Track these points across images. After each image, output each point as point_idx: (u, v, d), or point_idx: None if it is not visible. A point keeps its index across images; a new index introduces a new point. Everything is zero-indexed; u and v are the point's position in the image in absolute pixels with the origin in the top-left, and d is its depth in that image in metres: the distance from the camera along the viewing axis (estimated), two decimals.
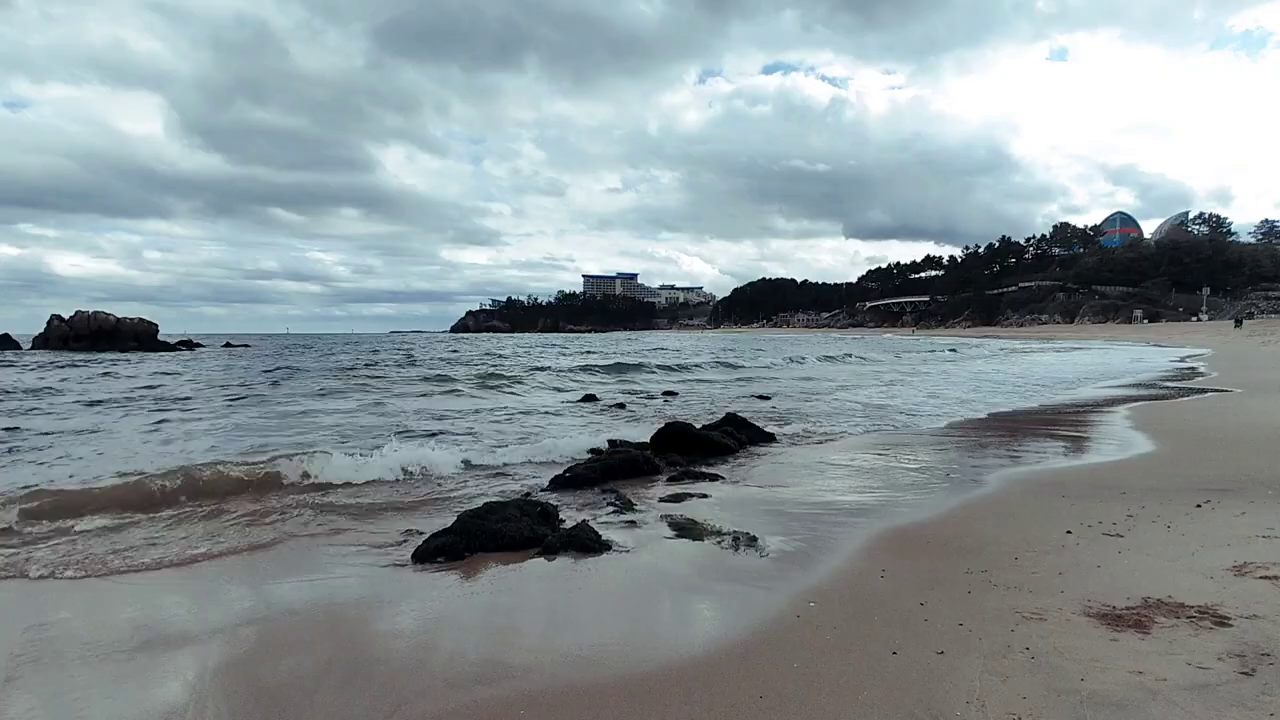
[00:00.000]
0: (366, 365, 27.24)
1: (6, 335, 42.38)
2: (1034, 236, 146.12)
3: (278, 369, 25.38)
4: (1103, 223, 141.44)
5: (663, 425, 8.39)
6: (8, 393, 16.21)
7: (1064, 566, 3.96)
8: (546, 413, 12.75)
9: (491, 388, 17.89)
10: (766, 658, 2.98)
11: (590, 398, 14.88)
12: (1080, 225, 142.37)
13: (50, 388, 17.54)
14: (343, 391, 16.77)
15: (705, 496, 6.09)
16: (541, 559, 4.41)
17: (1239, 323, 64.64)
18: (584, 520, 5.05)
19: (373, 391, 16.77)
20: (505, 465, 7.53)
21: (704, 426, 8.77)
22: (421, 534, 4.86)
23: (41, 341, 42.88)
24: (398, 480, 6.67)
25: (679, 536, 4.86)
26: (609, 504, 5.86)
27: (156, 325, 45.54)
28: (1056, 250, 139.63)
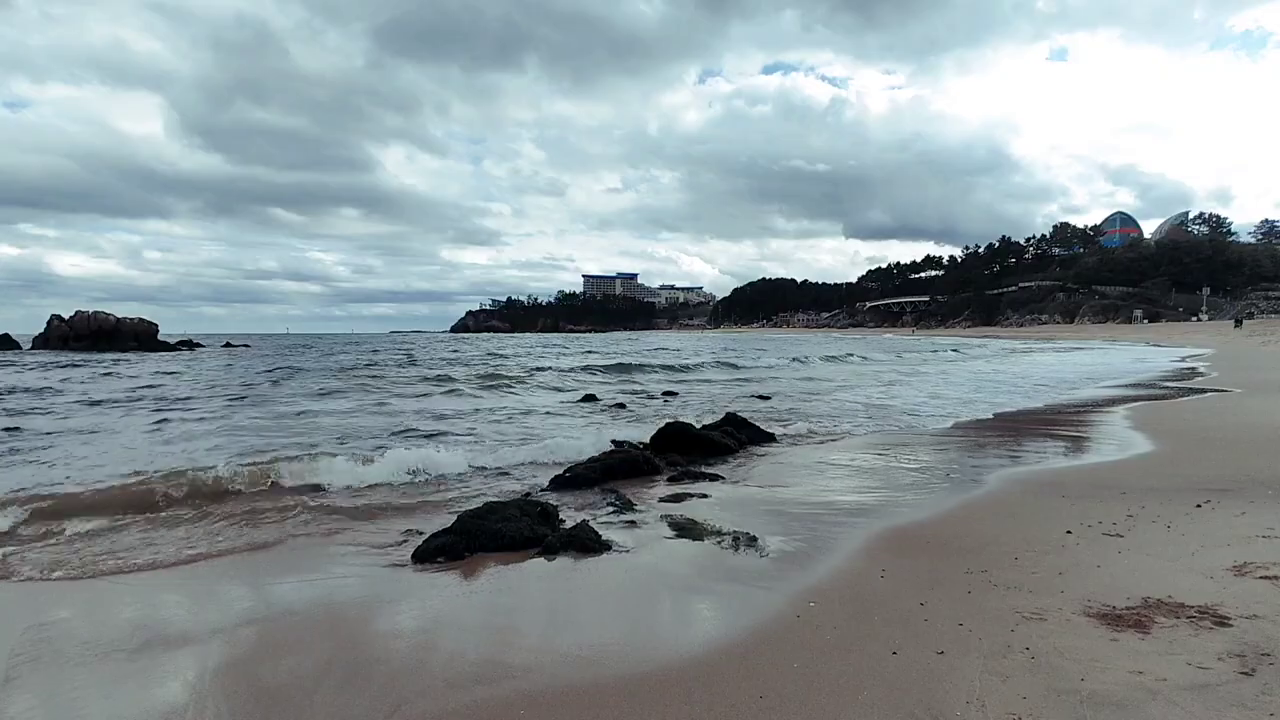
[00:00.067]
0: (367, 365, 27.25)
1: (6, 335, 42.37)
2: (1034, 236, 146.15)
3: (278, 369, 25.38)
4: (1103, 223, 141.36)
5: (663, 425, 8.39)
6: (9, 392, 16.23)
7: (1064, 566, 3.96)
8: (547, 413, 12.75)
9: (492, 388, 17.89)
10: (766, 658, 2.98)
11: (590, 398, 14.87)
12: (1080, 225, 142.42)
13: (51, 388, 17.55)
14: (343, 392, 16.77)
15: (705, 496, 6.09)
16: (541, 559, 4.41)
17: (1239, 323, 64.62)
18: (584, 520, 5.05)
19: (373, 392, 16.78)
20: (506, 465, 7.52)
21: (704, 426, 8.77)
22: (421, 534, 4.86)
23: (41, 341, 42.92)
24: (398, 480, 6.67)
25: (679, 536, 4.86)
26: (609, 504, 5.86)
27: (156, 325, 45.57)
28: (1056, 250, 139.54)
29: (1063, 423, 10.59)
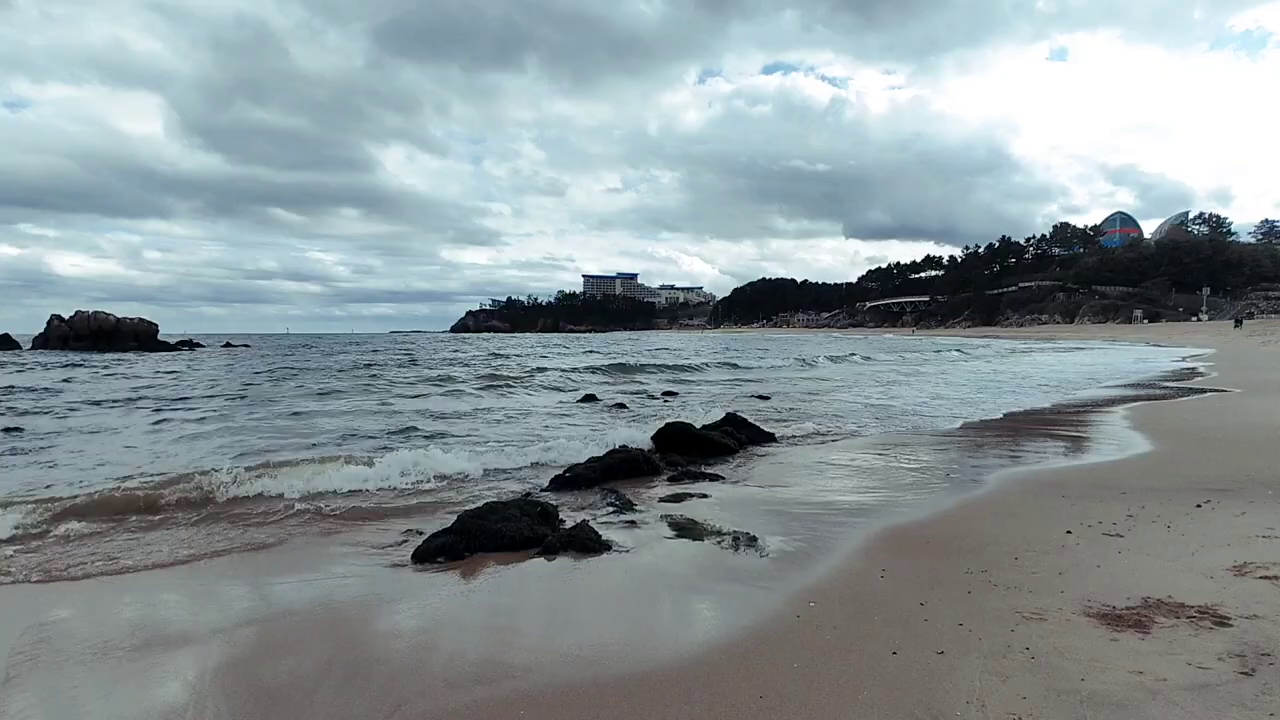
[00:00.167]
0: (367, 365, 27.26)
1: (6, 335, 42.40)
2: (1034, 236, 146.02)
3: (278, 369, 25.40)
4: (1103, 223, 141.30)
5: (663, 425, 8.39)
6: (9, 391, 16.24)
7: (1064, 566, 3.96)
8: (547, 413, 12.76)
9: (492, 388, 17.90)
10: (766, 658, 2.98)
11: (591, 398, 14.88)
12: (1080, 225, 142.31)
13: (51, 388, 17.56)
14: (343, 392, 16.78)
15: (705, 496, 6.09)
16: (541, 559, 4.41)
17: (1239, 323, 64.61)
18: (584, 520, 5.05)
19: (374, 392, 16.79)
20: (506, 465, 7.52)
21: (704, 426, 8.77)
22: (422, 534, 4.86)
23: (41, 341, 42.97)
24: (398, 481, 6.66)
25: (679, 536, 4.87)
26: (609, 504, 5.86)
27: (156, 325, 45.62)
28: (1056, 250, 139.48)
29: (1063, 423, 10.59)
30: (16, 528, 5.09)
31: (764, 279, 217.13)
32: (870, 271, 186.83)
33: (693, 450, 7.95)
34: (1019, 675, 2.72)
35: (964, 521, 5.08)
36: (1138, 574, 3.79)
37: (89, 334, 42.44)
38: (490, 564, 4.35)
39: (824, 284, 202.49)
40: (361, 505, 5.91)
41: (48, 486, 6.43)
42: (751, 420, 9.62)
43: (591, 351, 42.54)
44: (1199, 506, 5.17)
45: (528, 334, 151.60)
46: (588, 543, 4.54)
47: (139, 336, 43.46)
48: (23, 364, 28.20)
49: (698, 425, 8.68)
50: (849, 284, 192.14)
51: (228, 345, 54.68)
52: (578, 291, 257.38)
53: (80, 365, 27.09)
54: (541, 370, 23.59)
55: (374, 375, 21.98)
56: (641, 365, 26.20)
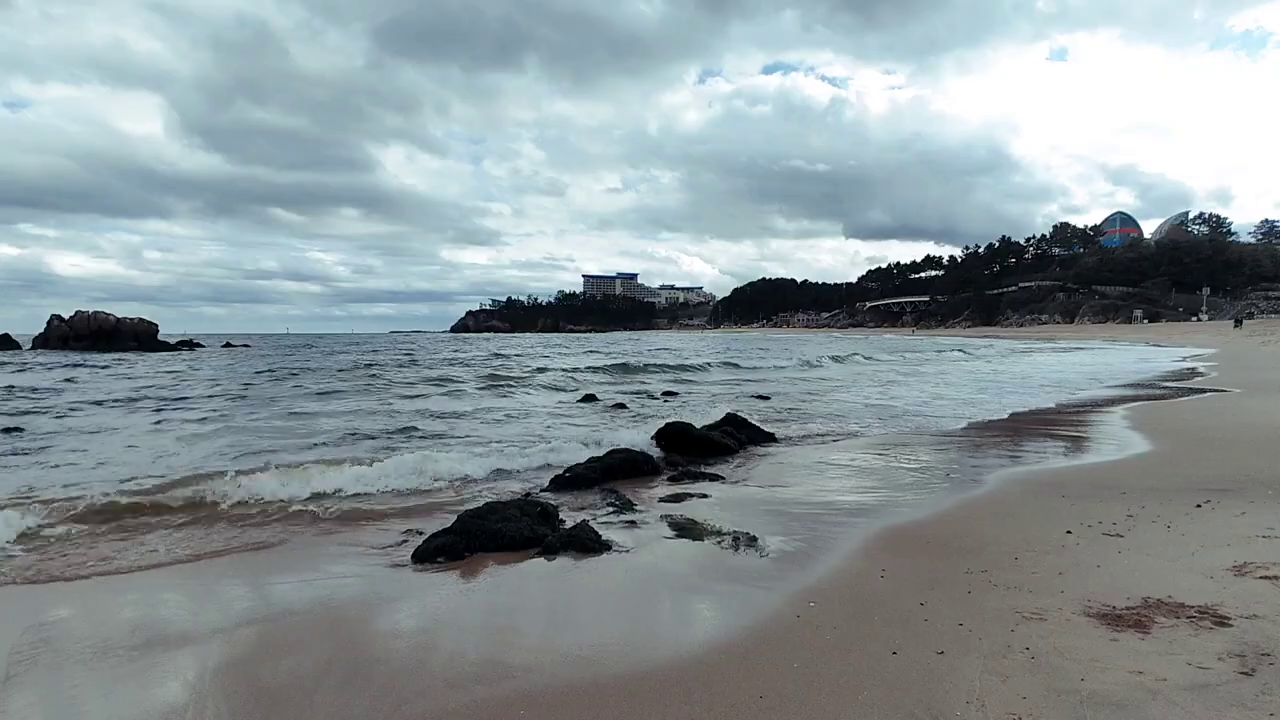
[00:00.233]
0: (368, 366, 27.25)
1: (6, 335, 42.39)
2: (1034, 236, 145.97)
3: (278, 369, 25.40)
4: (1103, 223, 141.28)
5: (663, 425, 8.39)
6: (9, 391, 16.24)
7: (1064, 566, 3.96)
8: (548, 413, 12.76)
9: (493, 388, 17.90)
10: (766, 658, 2.98)
11: (591, 398, 14.88)
12: (1080, 225, 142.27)
13: (51, 388, 17.56)
14: (344, 392, 16.78)
15: (705, 496, 6.09)
16: (541, 559, 4.41)
17: (1239, 323, 64.61)
18: (584, 520, 5.05)
19: (374, 392, 16.79)
20: (506, 465, 7.51)
21: (704, 426, 8.77)
22: (421, 534, 4.86)
23: (41, 341, 42.96)
24: (399, 481, 6.66)
25: (679, 536, 4.87)
26: (609, 504, 5.86)
27: (156, 325, 45.60)
28: (1056, 250, 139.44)
29: (1063, 422, 10.59)
30: (17, 528, 5.08)
31: (764, 279, 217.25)
32: (870, 271, 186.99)
33: (693, 450, 7.95)
34: (1019, 675, 2.72)
35: (964, 521, 5.08)
36: (1138, 574, 3.79)
37: (89, 334, 42.43)
38: (490, 564, 4.35)
39: (824, 284, 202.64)
40: (361, 505, 5.91)
41: (48, 487, 6.43)
42: (752, 420, 9.63)
43: (592, 351, 42.53)
44: (1199, 506, 5.17)
45: (528, 334, 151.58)
46: (588, 543, 4.54)
47: (139, 336, 43.45)
48: (23, 364, 28.20)
49: (698, 425, 8.68)
50: (849, 284, 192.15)
51: (228, 345, 54.66)
52: (578, 291, 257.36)
53: (80, 365, 27.08)
54: (542, 370, 23.59)
55: (374, 375, 21.98)
56: (642, 365, 26.19)
